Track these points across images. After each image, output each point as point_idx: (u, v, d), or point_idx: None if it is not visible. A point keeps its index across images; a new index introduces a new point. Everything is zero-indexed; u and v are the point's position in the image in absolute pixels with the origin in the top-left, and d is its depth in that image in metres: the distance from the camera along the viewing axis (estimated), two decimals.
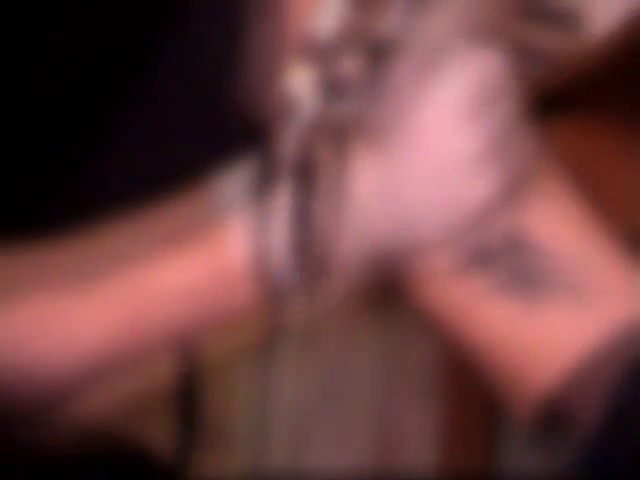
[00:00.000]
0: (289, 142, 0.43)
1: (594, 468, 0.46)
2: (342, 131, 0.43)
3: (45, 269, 0.48)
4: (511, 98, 0.48)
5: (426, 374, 1.73)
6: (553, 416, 0.47)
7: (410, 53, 0.46)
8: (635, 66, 0.80)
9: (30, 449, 0.87)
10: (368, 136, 0.45)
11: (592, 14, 1.03)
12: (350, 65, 0.41)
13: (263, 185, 0.43)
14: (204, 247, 0.46)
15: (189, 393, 1.09)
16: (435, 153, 0.45)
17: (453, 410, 1.59)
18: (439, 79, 0.45)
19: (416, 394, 1.73)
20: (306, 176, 0.43)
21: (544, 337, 0.47)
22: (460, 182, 0.46)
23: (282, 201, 0.43)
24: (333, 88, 0.41)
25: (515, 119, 0.48)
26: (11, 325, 0.46)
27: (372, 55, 0.43)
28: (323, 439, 1.70)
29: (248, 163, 0.47)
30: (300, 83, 0.41)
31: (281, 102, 0.41)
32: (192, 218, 0.47)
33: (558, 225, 0.49)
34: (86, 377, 0.49)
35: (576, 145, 0.95)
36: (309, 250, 0.43)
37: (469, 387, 1.51)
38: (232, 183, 0.47)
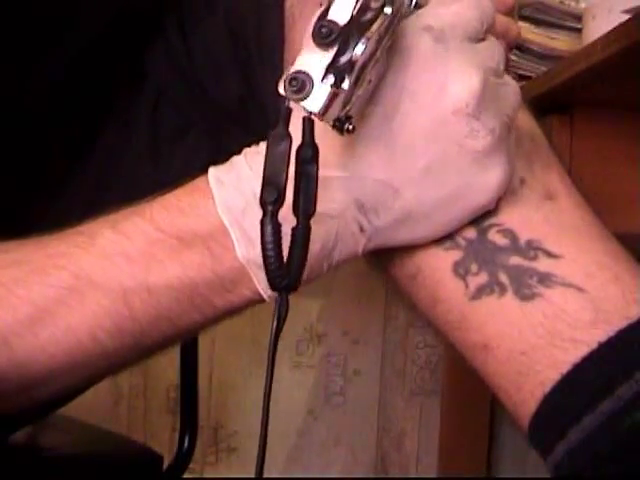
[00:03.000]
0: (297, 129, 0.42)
1: (589, 468, 0.46)
2: (348, 117, 0.43)
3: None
4: (514, 96, 0.48)
5: (426, 374, 1.74)
6: (551, 415, 0.47)
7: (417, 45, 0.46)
8: (635, 66, 0.80)
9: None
10: (373, 128, 0.45)
11: (593, 15, 1.03)
12: (362, 51, 0.41)
13: (268, 176, 0.42)
14: (203, 243, 0.46)
15: (189, 392, 1.09)
16: (439, 148, 0.46)
17: (453, 410, 1.59)
18: (445, 73, 0.45)
19: (415, 394, 1.73)
20: (311, 163, 0.42)
21: (542, 337, 0.47)
22: (464, 178, 0.46)
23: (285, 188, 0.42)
24: (345, 73, 0.41)
25: (517, 117, 0.48)
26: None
27: (383, 43, 0.43)
28: (323, 439, 1.71)
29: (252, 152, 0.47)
30: (313, 67, 0.40)
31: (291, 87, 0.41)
32: (191, 214, 0.47)
33: (558, 224, 0.49)
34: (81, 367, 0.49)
35: (576, 145, 0.95)
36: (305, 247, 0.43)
37: (469, 387, 1.51)
38: (233, 176, 0.47)
